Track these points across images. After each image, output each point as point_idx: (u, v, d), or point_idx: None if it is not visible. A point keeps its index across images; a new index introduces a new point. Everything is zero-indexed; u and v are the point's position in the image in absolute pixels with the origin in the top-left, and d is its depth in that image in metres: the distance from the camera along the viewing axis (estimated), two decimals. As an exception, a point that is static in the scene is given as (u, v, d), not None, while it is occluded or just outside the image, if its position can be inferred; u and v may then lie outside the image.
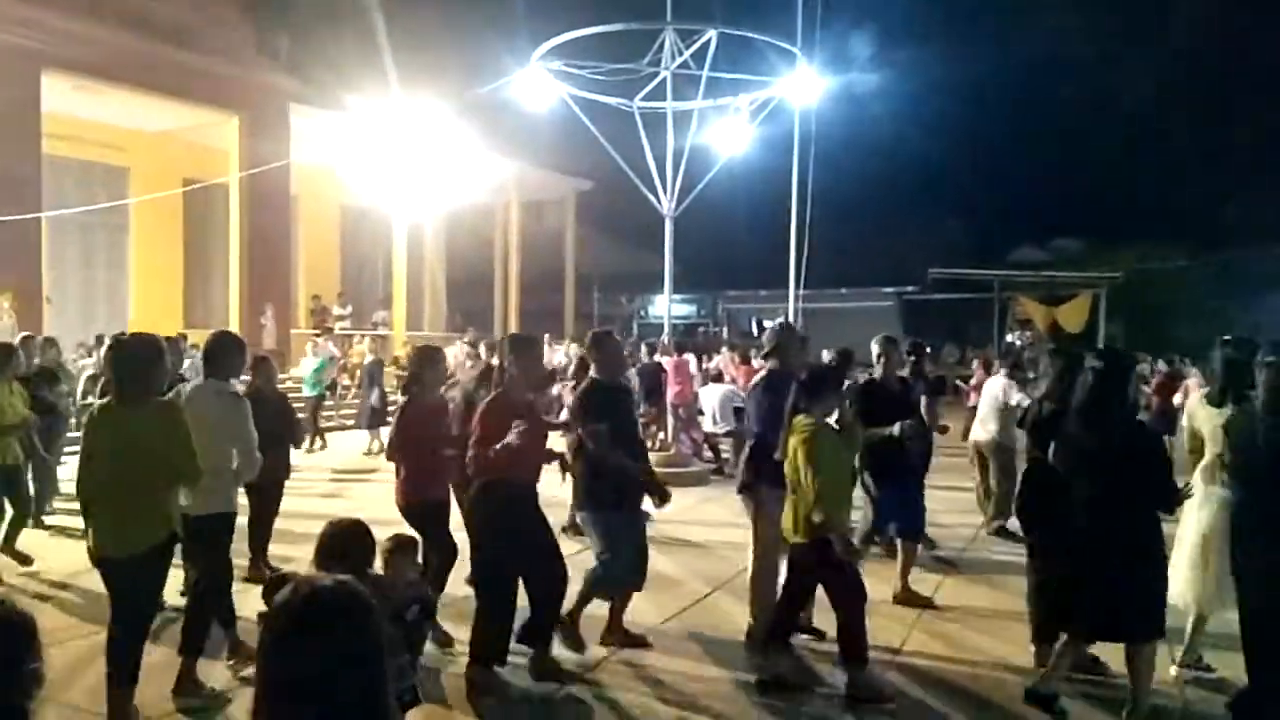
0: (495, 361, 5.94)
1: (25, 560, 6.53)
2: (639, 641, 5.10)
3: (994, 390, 8.20)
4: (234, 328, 16.53)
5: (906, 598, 5.86)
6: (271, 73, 16.97)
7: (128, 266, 18.06)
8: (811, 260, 16.90)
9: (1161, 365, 15.94)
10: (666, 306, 13.58)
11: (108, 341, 6.74)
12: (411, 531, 4.54)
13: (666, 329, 13.23)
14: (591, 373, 5.19)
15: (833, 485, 4.39)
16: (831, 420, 4.68)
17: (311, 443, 12.56)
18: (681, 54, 11.82)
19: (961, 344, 27.41)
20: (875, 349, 6.38)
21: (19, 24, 13.15)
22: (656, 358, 13.20)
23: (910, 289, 29.88)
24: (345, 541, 3.16)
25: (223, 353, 4.83)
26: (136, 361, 3.95)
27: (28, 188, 13.54)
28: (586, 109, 12.53)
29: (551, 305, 25.29)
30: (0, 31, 13.01)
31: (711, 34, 11.65)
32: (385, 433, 7.88)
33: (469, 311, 25.92)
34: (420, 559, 4.28)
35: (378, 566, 3.40)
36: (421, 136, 16.85)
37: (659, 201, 12.30)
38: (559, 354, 14.23)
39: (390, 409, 8.63)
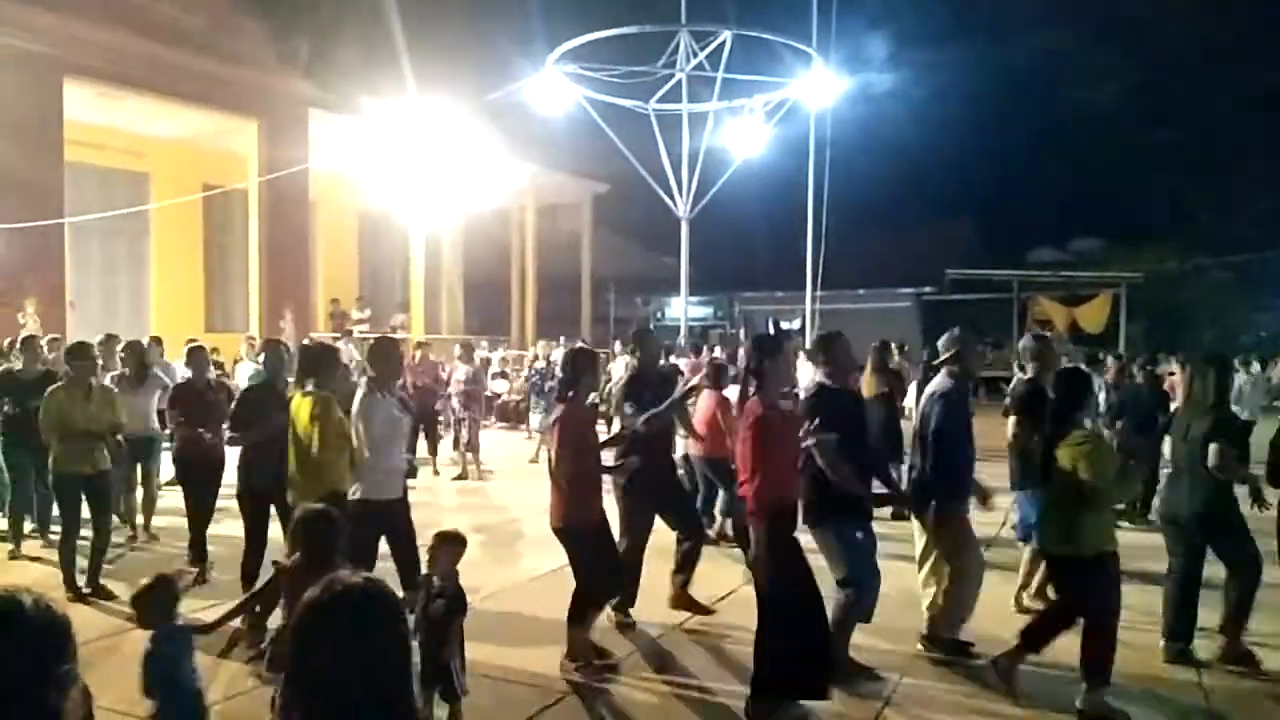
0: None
1: (108, 596, 5.99)
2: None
3: None
4: (254, 331, 16.66)
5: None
6: (290, 79, 17.09)
7: (149, 271, 18.23)
8: (828, 261, 16.88)
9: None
10: (683, 308, 13.57)
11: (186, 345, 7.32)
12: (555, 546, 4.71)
13: (683, 331, 13.22)
14: (818, 377, 4.92)
15: (1110, 497, 4.39)
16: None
17: None
18: (696, 56, 11.83)
19: (981, 345, 27.21)
20: (1029, 347, 5.91)
21: (41, 32, 13.31)
22: (672, 359, 13.21)
23: (928, 290, 29.69)
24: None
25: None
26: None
27: (51, 194, 13.70)
28: (602, 112, 12.55)
29: (568, 308, 25.32)
30: (23, 40, 13.18)
31: (726, 35, 11.65)
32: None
33: (486, 314, 26.00)
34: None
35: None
36: (438, 141, 16.93)
37: (675, 204, 12.31)
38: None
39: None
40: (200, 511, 6.58)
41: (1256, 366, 12.91)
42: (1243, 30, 33.69)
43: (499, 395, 15.30)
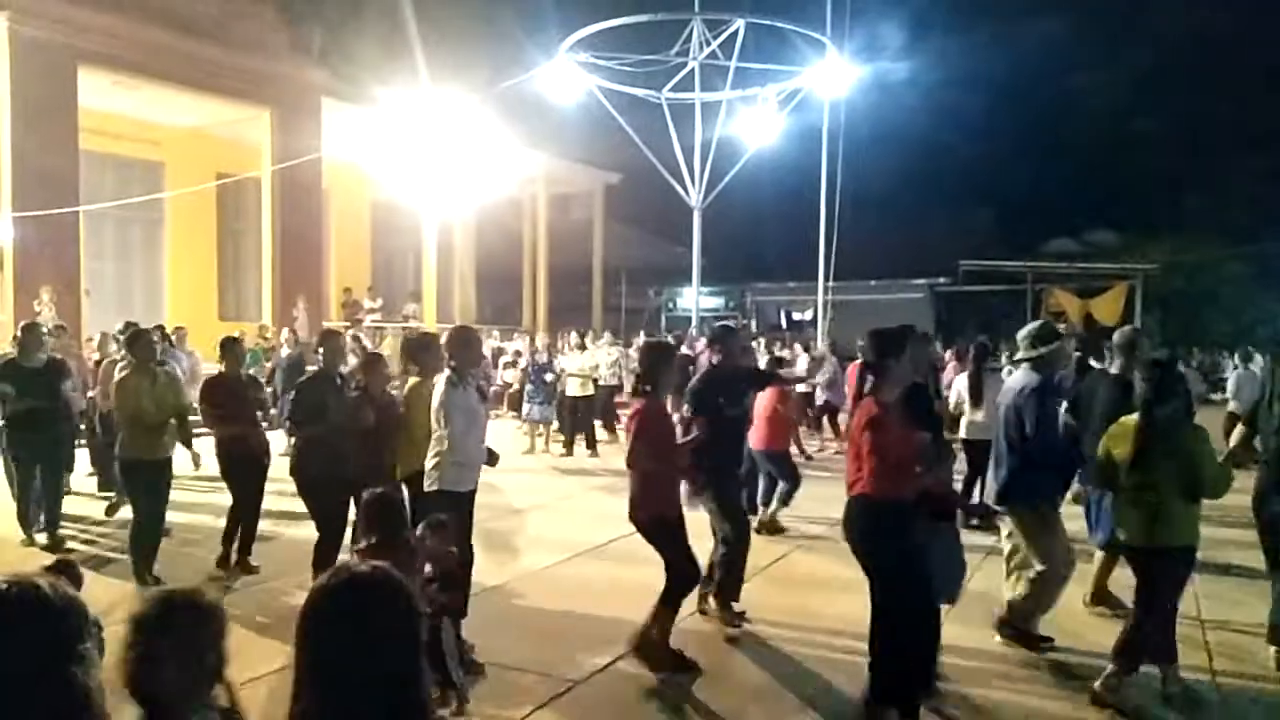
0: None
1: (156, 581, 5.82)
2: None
3: None
4: (267, 320, 16.75)
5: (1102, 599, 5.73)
6: (303, 67, 17.11)
7: (163, 259, 18.33)
8: (841, 252, 16.81)
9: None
10: (694, 299, 13.54)
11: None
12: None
13: (694, 321, 13.20)
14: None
15: (1217, 489, 4.32)
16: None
17: None
18: (709, 45, 11.77)
19: (994, 337, 27.09)
20: (1120, 340, 5.75)
21: (57, 21, 13.37)
22: (683, 350, 13.20)
23: (941, 281, 29.54)
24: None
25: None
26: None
27: (66, 182, 13.78)
28: (614, 101, 12.52)
29: (579, 298, 25.32)
30: (38, 28, 13.25)
31: (740, 24, 11.59)
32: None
33: (498, 304, 26.03)
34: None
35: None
36: (451, 130, 16.92)
37: (687, 193, 12.28)
38: (600, 353, 14.14)
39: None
40: (249, 507, 6.47)
41: (1259, 360, 12.71)
42: (1266, 17, 33.27)
43: (510, 385, 15.31)
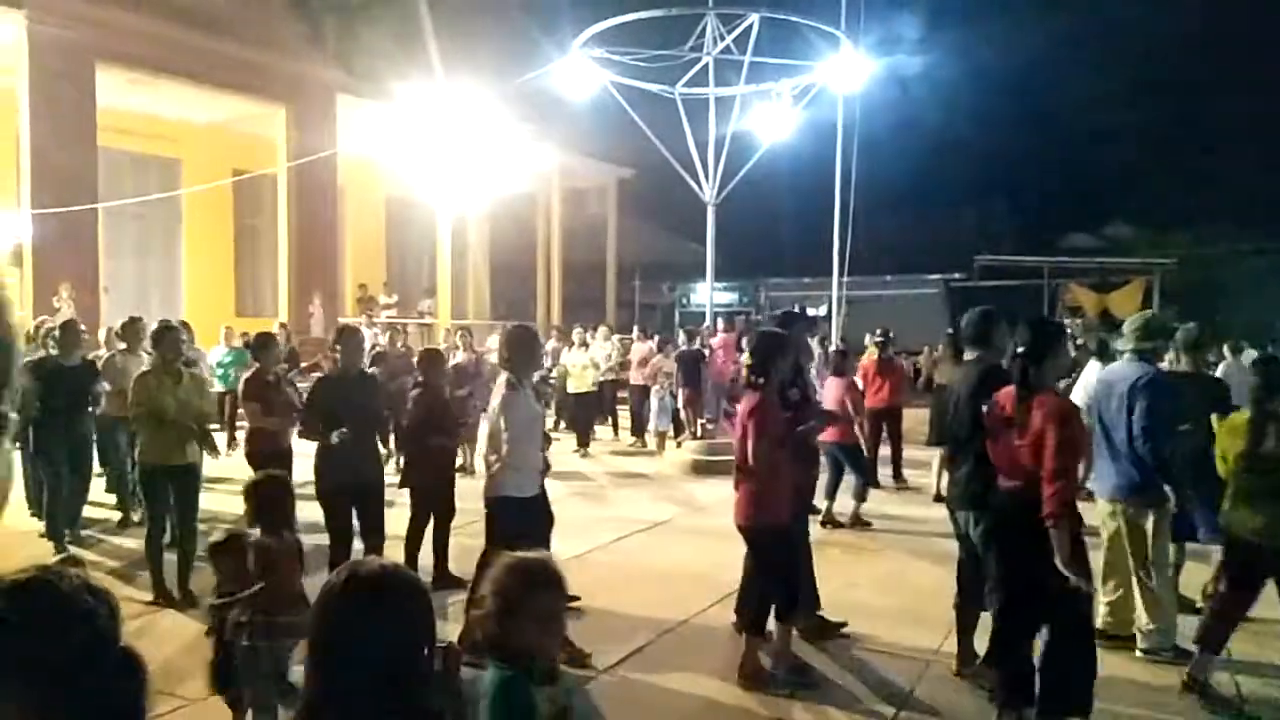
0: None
1: (195, 604, 5.46)
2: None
3: None
4: (283, 316, 16.83)
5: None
6: (319, 64, 17.18)
7: (180, 256, 18.45)
8: (856, 247, 16.73)
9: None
10: (709, 294, 13.50)
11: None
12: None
13: (709, 317, 13.18)
14: (971, 354, 4.65)
15: None
16: None
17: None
18: (724, 39, 11.72)
19: (1010, 332, 26.92)
20: (1186, 337, 5.62)
21: (75, 19, 13.46)
22: (695, 345, 13.21)
23: (957, 276, 29.35)
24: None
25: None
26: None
27: (84, 179, 13.88)
28: (628, 96, 12.49)
29: (593, 293, 25.33)
30: (57, 26, 13.34)
31: (754, 18, 11.53)
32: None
33: (512, 300, 26.07)
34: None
35: None
36: (465, 126, 16.95)
37: (701, 189, 12.24)
38: (597, 348, 14.16)
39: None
40: None
41: (1249, 353, 12.46)
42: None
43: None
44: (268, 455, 6.30)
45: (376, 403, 5.94)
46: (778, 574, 4.50)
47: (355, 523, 5.54)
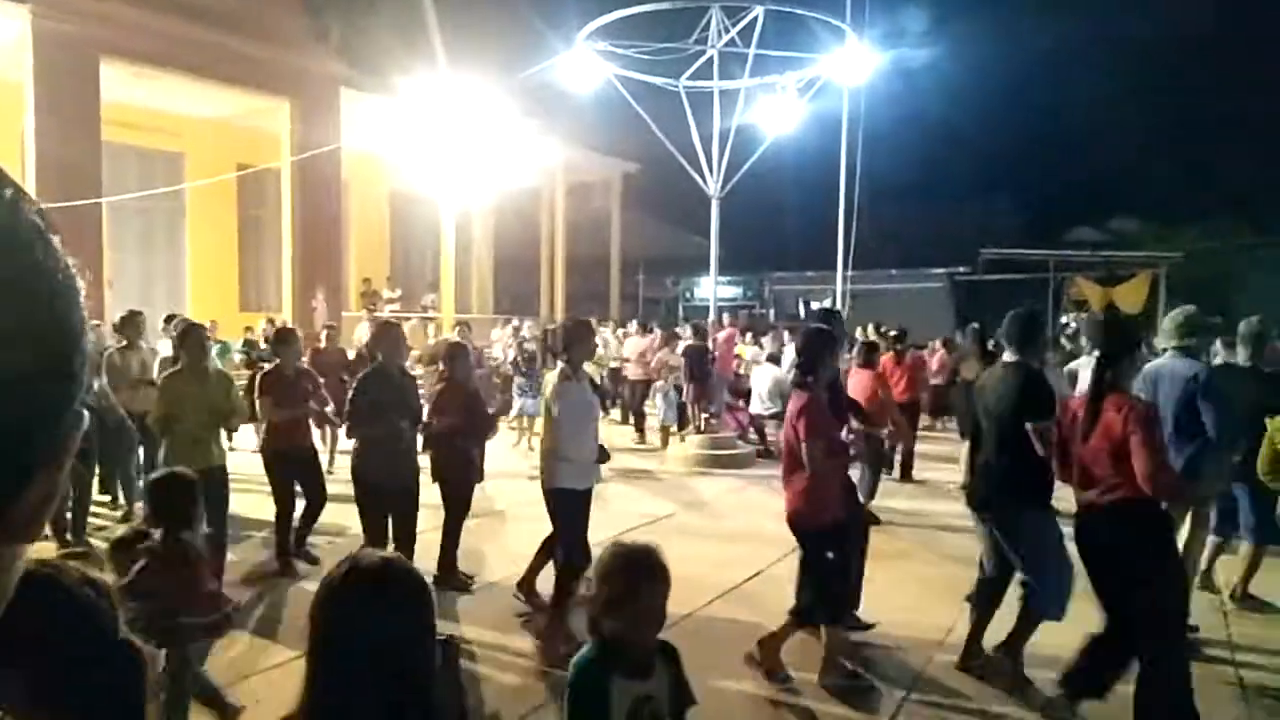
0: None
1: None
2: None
3: None
4: (286, 310, 16.84)
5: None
6: (322, 58, 17.15)
7: (184, 250, 18.47)
8: (860, 241, 16.70)
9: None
10: (712, 288, 13.47)
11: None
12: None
13: (712, 311, 13.14)
14: (1010, 357, 4.56)
15: None
16: None
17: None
18: (728, 32, 11.67)
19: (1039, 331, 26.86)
20: (1247, 330, 5.46)
21: (79, 13, 13.45)
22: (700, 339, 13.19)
23: (962, 270, 29.30)
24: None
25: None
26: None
27: (88, 174, 13.88)
28: (632, 90, 12.45)
29: (597, 287, 25.32)
30: (61, 21, 13.32)
31: (759, 11, 11.48)
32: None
33: (516, 294, 26.07)
34: None
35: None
36: (469, 120, 16.93)
37: (705, 183, 12.21)
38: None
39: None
40: (288, 504, 6.25)
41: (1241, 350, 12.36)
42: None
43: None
44: (285, 453, 6.28)
45: (417, 401, 5.86)
46: (830, 574, 4.43)
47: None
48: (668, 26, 12.19)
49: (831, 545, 4.44)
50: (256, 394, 6.40)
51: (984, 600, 4.61)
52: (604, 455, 5.01)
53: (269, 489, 6.46)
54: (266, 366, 7.12)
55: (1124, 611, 3.76)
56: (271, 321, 14.10)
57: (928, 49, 22.99)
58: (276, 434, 6.33)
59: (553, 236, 24.29)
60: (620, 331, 17.12)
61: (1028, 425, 4.12)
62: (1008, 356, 4.61)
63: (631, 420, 13.85)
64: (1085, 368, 7.07)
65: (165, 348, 10.56)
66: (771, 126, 12.91)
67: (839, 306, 17.21)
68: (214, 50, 15.08)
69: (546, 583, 5.25)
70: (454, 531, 6.06)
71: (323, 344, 10.89)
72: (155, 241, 18.08)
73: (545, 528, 5.23)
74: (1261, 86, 33.20)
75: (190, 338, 5.73)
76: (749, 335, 17.54)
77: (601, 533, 7.31)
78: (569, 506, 4.64)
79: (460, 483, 6.10)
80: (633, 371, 13.81)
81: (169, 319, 10.17)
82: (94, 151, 14.07)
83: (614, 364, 14.50)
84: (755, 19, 11.54)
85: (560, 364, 4.88)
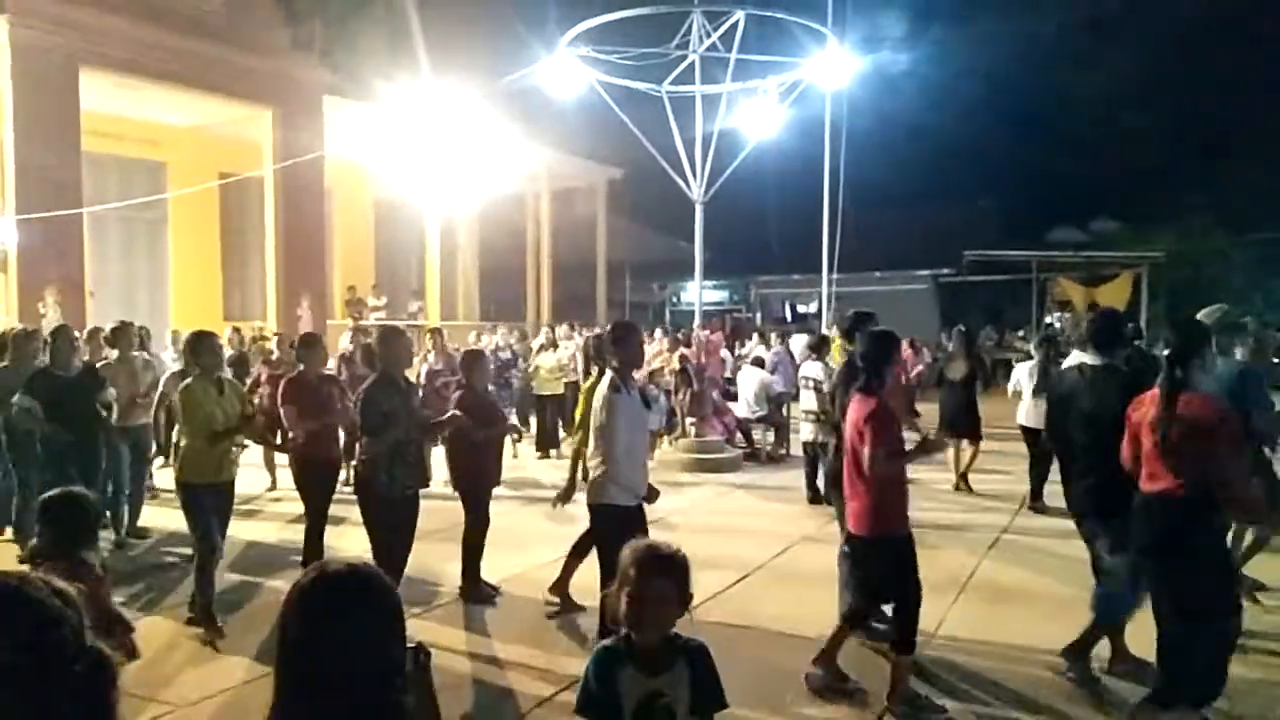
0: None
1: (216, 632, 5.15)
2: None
3: None
4: (271, 319, 16.76)
5: None
6: (305, 66, 17.10)
7: (167, 259, 18.35)
8: (845, 243, 16.75)
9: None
10: (698, 293, 13.48)
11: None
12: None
13: (698, 315, 13.15)
14: (1094, 359, 4.45)
15: None
16: None
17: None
18: (710, 36, 11.70)
19: (999, 327, 27.04)
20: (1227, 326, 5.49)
21: (58, 23, 13.37)
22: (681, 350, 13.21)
23: (946, 271, 29.45)
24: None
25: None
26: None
27: (69, 184, 13.78)
28: (615, 95, 12.46)
29: (583, 293, 25.32)
30: (40, 31, 13.24)
31: (739, 15, 11.51)
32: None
33: (501, 300, 26.04)
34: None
35: None
36: (453, 127, 16.91)
37: (689, 187, 12.22)
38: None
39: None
40: (320, 517, 6.00)
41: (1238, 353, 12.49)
42: (1269, 9, 33.05)
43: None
44: (313, 462, 6.05)
45: (422, 412, 5.70)
46: (895, 587, 4.30)
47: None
48: (649, 31, 12.21)
49: (898, 557, 4.28)
50: (280, 403, 6.17)
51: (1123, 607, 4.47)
52: (652, 494, 4.72)
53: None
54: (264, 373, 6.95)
55: (1177, 597, 3.82)
56: (238, 330, 13.92)
57: (909, 52, 23.16)
58: (305, 442, 6.11)
59: (538, 242, 24.28)
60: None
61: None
62: (1088, 359, 4.55)
63: None
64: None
65: (168, 358, 10.46)
66: (754, 131, 12.94)
67: (825, 309, 17.28)
68: (195, 59, 15.02)
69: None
70: (476, 542, 5.96)
71: (276, 353, 10.39)
72: (137, 251, 17.96)
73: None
74: (1237, 90, 33.56)
75: (204, 344, 5.51)
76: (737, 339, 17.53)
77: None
78: (616, 524, 4.30)
79: (481, 492, 6.02)
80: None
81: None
82: (74, 161, 13.97)
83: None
84: (736, 24, 11.56)
85: (609, 373, 4.62)
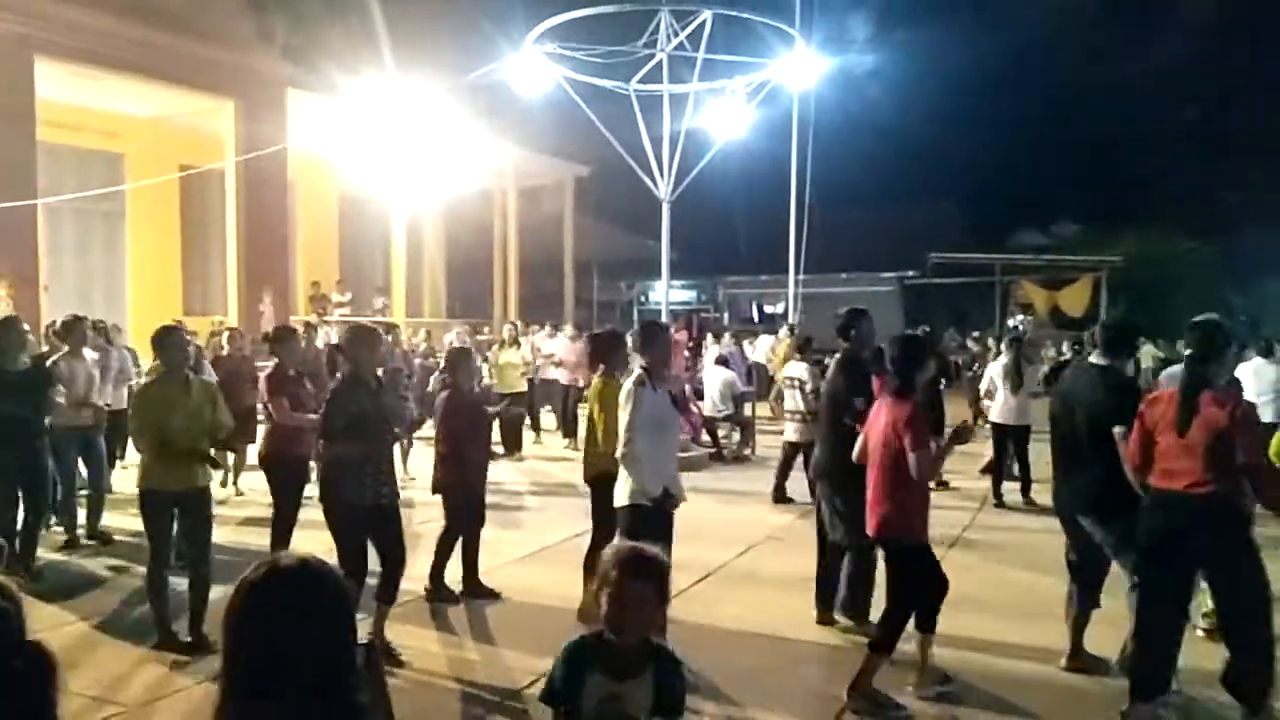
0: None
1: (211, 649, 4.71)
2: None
3: None
4: (232, 314, 16.50)
5: None
6: (267, 58, 16.86)
7: (124, 253, 18.00)
8: (811, 244, 16.88)
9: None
10: (664, 292, 13.48)
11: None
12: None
13: (664, 314, 13.15)
14: (1100, 360, 4.48)
15: None
16: None
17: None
18: (678, 35, 11.70)
19: (963, 329, 27.40)
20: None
21: (11, 10, 13.06)
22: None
23: (911, 273, 29.76)
24: None
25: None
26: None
27: (23, 174, 13.47)
28: (582, 93, 12.42)
29: (550, 291, 25.23)
30: (-7, 17, 12.93)
31: (706, 14, 11.53)
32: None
33: (468, 297, 25.89)
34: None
35: None
36: (418, 122, 16.76)
37: (656, 186, 12.22)
38: (559, 341, 14.01)
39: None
40: (289, 519, 5.84)
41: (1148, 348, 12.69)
42: (1221, 13, 33.81)
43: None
44: (287, 459, 5.88)
45: (394, 411, 5.42)
46: (927, 586, 4.34)
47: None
48: (617, 29, 12.18)
49: (928, 557, 4.36)
50: (265, 397, 6.03)
51: (1086, 604, 4.58)
52: (676, 498, 4.66)
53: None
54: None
55: (1218, 587, 3.96)
56: (179, 324, 13.62)
57: (875, 55, 23.35)
58: (279, 437, 5.94)
59: (505, 240, 24.16)
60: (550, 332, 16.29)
61: (1116, 430, 4.20)
62: (1095, 359, 4.65)
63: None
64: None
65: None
66: (721, 131, 12.97)
67: (791, 310, 17.38)
68: (155, 49, 14.74)
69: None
70: (472, 543, 5.88)
71: (225, 349, 9.67)
72: (93, 244, 17.59)
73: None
74: (1195, 98, 34.24)
75: (170, 339, 5.12)
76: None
77: (549, 537, 7.33)
78: (631, 522, 4.27)
79: (464, 494, 5.87)
80: (564, 375, 13.27)
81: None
82: (29, 152, 13.66)
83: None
84: (704, 23, 11.58)
85: (636, 369, 4.56)
